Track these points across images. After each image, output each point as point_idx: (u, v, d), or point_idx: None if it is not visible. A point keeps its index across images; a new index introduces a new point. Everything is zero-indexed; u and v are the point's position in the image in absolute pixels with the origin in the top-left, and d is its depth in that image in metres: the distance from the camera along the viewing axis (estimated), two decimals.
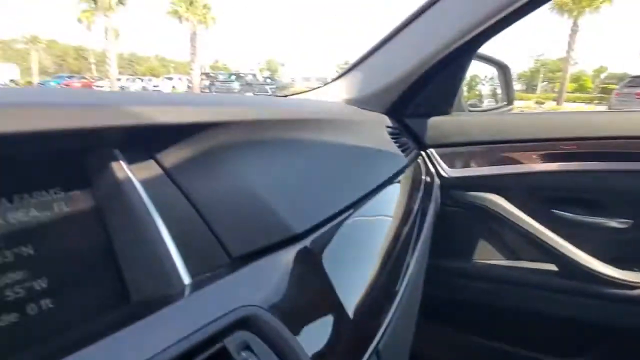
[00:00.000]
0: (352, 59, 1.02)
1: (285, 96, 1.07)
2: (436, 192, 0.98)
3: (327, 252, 0.43)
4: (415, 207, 0.72)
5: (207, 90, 23.34)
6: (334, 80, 1.03)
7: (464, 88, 1.40)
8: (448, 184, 1.03)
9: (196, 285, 0.33)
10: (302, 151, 0.54)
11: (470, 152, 1.06)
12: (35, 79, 31.30)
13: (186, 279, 0.33)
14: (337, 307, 0.39)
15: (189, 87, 24.84)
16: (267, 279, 0.36)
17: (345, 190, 0.53)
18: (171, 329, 0.27)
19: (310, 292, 0.40)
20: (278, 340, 0.31)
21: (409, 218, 0.66)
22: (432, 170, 1.03)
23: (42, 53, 45.99)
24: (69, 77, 26.41)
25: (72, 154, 0.33)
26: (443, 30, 0.84)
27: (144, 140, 0.37)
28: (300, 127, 0.56)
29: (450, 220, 1.05)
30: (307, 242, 0.41)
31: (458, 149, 1.05)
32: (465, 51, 0.88)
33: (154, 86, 25.35)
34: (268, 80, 29.12)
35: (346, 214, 0.49)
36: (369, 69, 0.95)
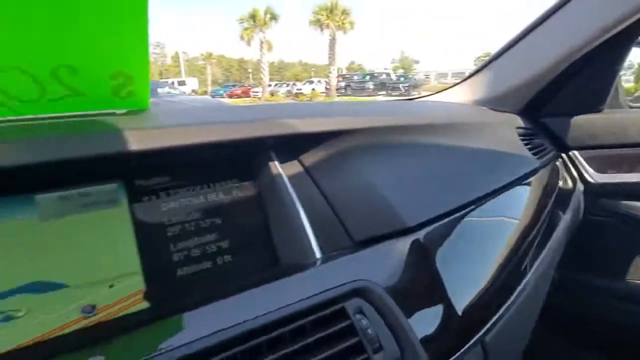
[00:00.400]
0: (493, 50, 1.00)
1: (413, 98, 1.09)
2: (578, 199, 0.89)
3: (440, 245, 0.47)
4: (545, 212, 0.69)
5: (343, 91, 24.51)
6: (464, 80, 1.03)
7: (632, 79, 1.18)
8: (594, 190, 0.92)
9: (325, 259, 0.42)
10: (423, 153, 0.58)
11: (624, 155, 0.92)
12: (209, 88, 38.36)
13: (317, 253, 0.43)
14: (442, 295, 0.42)
15: (326, 88, 26.53)
16: (382, 262, 0.42)
17: (463, 190, 0.56)
18: (306, 287, 0.36)
19: (420, 278, 0.43)
20: (387, 310, 0.37)
21: (535, 224, 0.64)
22: (575, 174, 0.94)
23: (214, 67, 55.88)
24: (233, 86, 31.56)
25: (244, 156, 0.47)
26: (591, 19, 0.76)
27: (292, 146, 0.49)
28: (423, 132, 0.61)
29: (597, 231, 0.94)
30: (420, 234, 0.46)
31: (609, 151, 0.93)
32: (622, 40, 0.78)
33: (297, 89, 27.95)
34: (401, 79, 28.69)
35: (462, 213, 0.52)
36: (501, 67, 0.93)
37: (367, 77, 27.12)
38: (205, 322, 0.31)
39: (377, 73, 29.68)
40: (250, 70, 54.08)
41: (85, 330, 0.35)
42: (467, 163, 0.62)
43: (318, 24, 26.27)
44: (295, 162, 0.51)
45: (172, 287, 0.41)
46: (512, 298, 0.51)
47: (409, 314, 0.38)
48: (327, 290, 0.37)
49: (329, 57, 25.92)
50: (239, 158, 0.48)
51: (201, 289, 0.42)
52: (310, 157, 0.51)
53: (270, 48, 27.82)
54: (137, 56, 0.39)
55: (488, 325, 0.44)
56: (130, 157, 0.37)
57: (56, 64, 0.36)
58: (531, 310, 0.67)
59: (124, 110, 0.44)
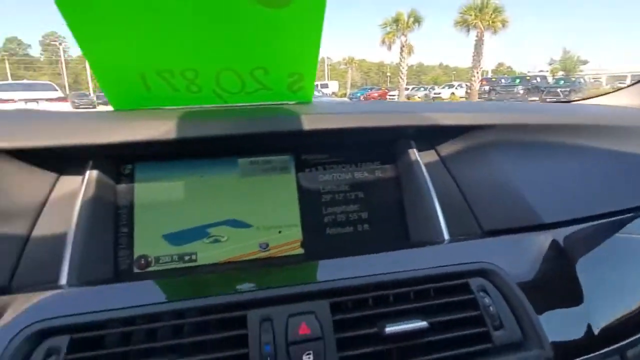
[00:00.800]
0: None
1: (570, 101, 0.98)
2: None
3: (582, 248, 0.46)
4: None
5: (486, 96, 22.93)
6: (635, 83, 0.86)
7: None
8: None
9: (453, 241, 0.47)
10: (571, 154, 0.56)
11: None
12: (348, 91, 40.48)
13: (446, 235, 0.48)
14: (577, 296, 0.41)
15: (467, 92, 25.17)
16: (511, 251, 0.44)
17: (617, 197, 0.53)
18: (434, 259, 0.41)
19: (552, 274, 0.44)
20: (511, 293, 0.39)
21: None
22: None
23: (354, 71, 58.41)
24: (370, 89, 32.69)
25: (387, 142, 0.55)
26: None
27: (430, 136, 0.56)
28: (573, 132, 0.57)
29: None
30: (557, 233, 0.47)
31: None
32: None
33: (435, 94, 27.26)
34: (561, 82, 24.95)
35: (612, 220, 0.50)
36: None
37: (518, 81, 24.51)
38: (346, 269, 0.39)
39: (530, 76, 26.49)
40: (388, 73, 54.99)
41: (260, 260, 0.47)
42: (623, 169, 0.57)
43: (464, 24, 25.11)
44: (432, 151, 0.56)
45: (322, 241, 0.50)
46: None
47: (536, 305, 0.39)
48: (453, 264, 0.40)
49: (473, 59, 24.50)
50: (382, 143, 0.56)
51: (344, 247, 0.50)
52: (447, 148, 0.56)
53: (410, 51, 27.90)
54: (309, 59, 0.50)
55: (630, 340, 0.41)
56: (300, 135, 0.48)
57: (254, 66, 0.50)
58: None
59: (294, 102, 0.57)
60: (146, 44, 0.45)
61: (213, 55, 0.48)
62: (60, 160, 0.46)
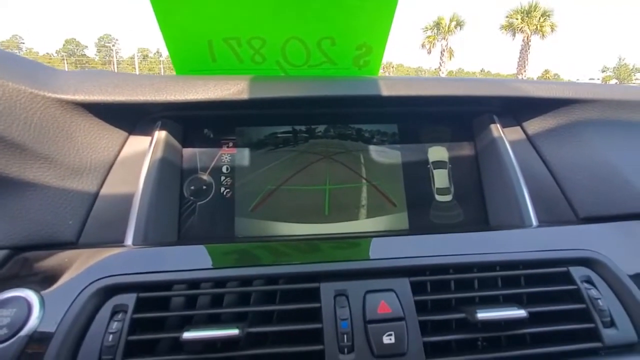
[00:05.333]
0: None
1: None
2: None
3: None
4: None
5: None
6: None
7: None
8: None
9: (545, 226, 0.41)
10: None
11: None
12: None
13: (534, 221, 0.42)
14: None
15: None
16: (616, 240, 0.39)
17: None
18: (524, 243, 0.36)
19: None
20: (623, 288, 0.34)
21: None
22: None
23: (390, 75, 57.84)
24: None
25: (467, 114, 0.52)
26: None
27: (515, 110, 0.50)
28: None
29: None
30: None
31: None
32: None
33: None
34: None
35: None
36: None
37: None
38: (426, 247, 0.37)
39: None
40: None
41: (336, 236, 0.47)
42: None
43: (510, 28, 24.18)
44: (518, 127, 0.51)
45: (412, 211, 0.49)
46: None
47: None
48: (548, 250, 0.35)
49: (518, 65, 23.54)
50: (462, 116, 0.52)
51: (420, 225, 0.48)
52: (535, 125, 0.50)
53: (451, 56, 27.23)
54: (381, 30, 0.46)
55: None
56: (399, 104, 0.47)
57: (322, 35, 0.47)
58: None
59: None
60: (216, 10, 0.44)
61: (282, 23, 0.46)
62: (130, 119, 0.46)
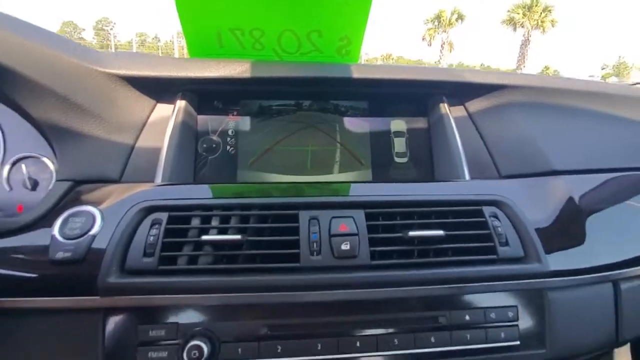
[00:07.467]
0: None
1: None
2: None
3: (587, 192, 0.53)
4: None
5: None
6: None
7: None
8: None
9: (473, 180, 0.56)
10: (586, 117, 0.62)
11: None
12: None
13: (467, 177, 0.57)
14: (578, 232, 0.49)
15: None
16: (524, 190, 0.52)
17: (620, 155, 0.60)
18: (455, 191, 0.51)
19: (558, 210, 0.50)
20: (518, 221, 0.47)
21: None
22: None
23: None
24: None
25: (424, 95, 0.66)
26: None
27: (461, 93, 0.64)
28: (589, 99, 0.63)
29: None
30: (567, 178, 0.54)
31: None
32: None
33: None
34: None
35: (614, 175, 0.56)
36: None
37: None
38: (381, 190, 0.49)
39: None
40: None
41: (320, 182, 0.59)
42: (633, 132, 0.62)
43: (511, 22, 24.10)
44: (461, 107, 0.64)
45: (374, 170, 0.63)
46: None
47: (540, 233, 0.46)
48: (470, 194, 0.49)
49: (518, 60, 23.54)
50: (419, 96, 0.65)
51: (381, 178, 0.63)
52: (475, 104, 0.63)
53: (451, 49, 27.15)
54: (358, 24, 0.58)
55: (623, 271, 0.49)
56: (370, 85, 0.60)
57: (311, 28, 0.59)
58: None
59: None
60: (224, 5, 0.57)
61: (278, 18, 0.59)
62: (157, 90, 0.58)
